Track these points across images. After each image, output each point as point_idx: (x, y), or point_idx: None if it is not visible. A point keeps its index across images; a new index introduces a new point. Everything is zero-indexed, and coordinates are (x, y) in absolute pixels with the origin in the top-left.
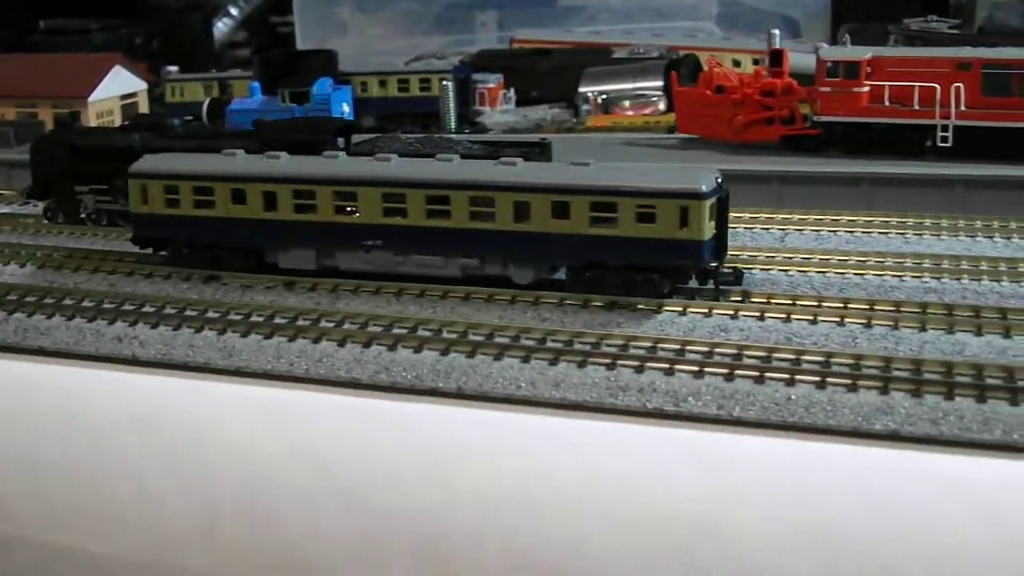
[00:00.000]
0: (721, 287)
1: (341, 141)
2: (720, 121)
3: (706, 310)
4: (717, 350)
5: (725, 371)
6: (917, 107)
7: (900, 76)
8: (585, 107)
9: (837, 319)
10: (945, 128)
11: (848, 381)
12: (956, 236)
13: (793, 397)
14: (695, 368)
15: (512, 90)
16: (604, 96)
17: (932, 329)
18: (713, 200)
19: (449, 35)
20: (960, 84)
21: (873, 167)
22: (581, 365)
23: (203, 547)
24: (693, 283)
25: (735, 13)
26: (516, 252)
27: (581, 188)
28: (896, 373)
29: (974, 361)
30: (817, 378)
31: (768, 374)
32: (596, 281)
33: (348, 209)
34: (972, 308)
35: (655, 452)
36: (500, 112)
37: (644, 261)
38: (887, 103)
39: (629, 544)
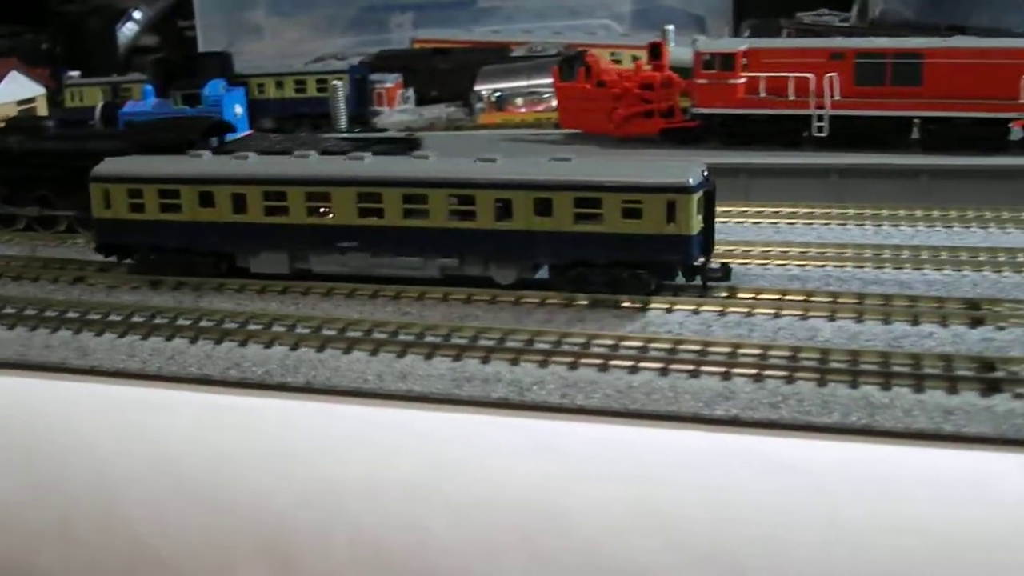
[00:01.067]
0: (709, 283)
1: (214, 140)
2: (601, 115)
3: (566, 301)
4: (566, 340)
5: (569, 360)
6: (792, 97)
7: (775, 67)
8: (479, 105)
9: (692, 307)
10: (820, 118)
11: (691, 367)
12: (827, 224)
13: (635, 384)
14: (540, 358)
15: (411, 90)
16: (498, 94)
17: (787, 315)
18: (700, 194)
19: (364, 36)
20: (834, 74)
21: (751, 158)
22: (428, 357)
23: (56, 546)
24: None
25: (646, 11)
26: (498, 251)
27: (564, 184)
28: (741, 359)
29: (823, 346)
30: (660, 365)
31: (612, 362)
32: (581, 279)
33: (321, 210)
34: (830, 294)
35: (499, 441)
36: (398, 112)
37: (630, 258)
38: (763, 94)
39: (474, 534)
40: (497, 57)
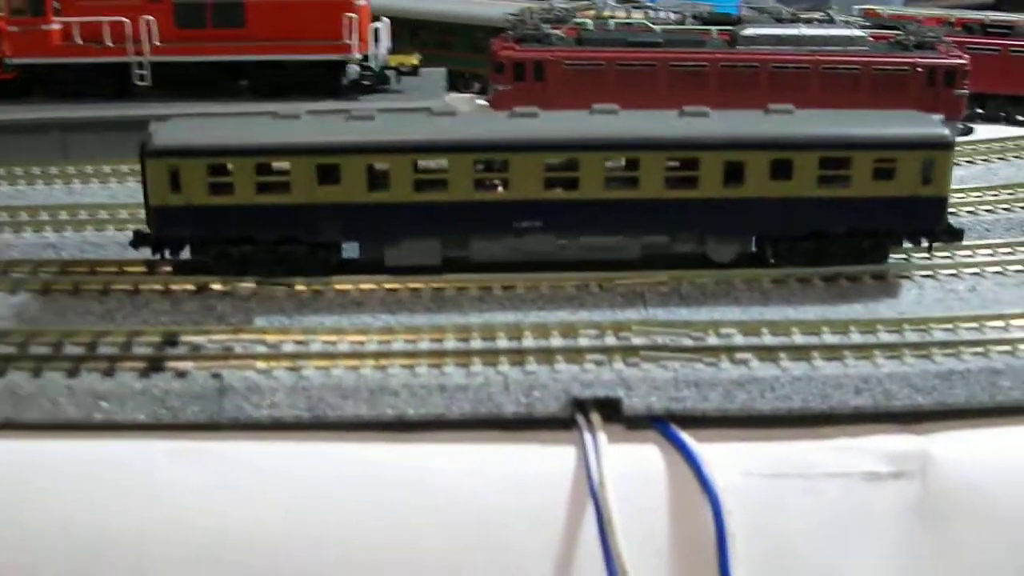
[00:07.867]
0: (935, 245)
1: None
2: None
3: None
4: None
5: None
6: (110, 44)
7: (92, 11)
8: None
9: None
10: (141, 65)
11: None
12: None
13: None
14: None
15: None
16: None
17: None
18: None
19: None
20: (151, 17)
21: (69, 111)
22: None
23: None
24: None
25: None
26: (721, 224)
27: (808, 141)
28: None
29: None
30: None
31: None
32: (818, 252)
33: (490, 183)
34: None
35: None
36: None
37: (876, 225)
38: (79, 41)
39: None
40: None
